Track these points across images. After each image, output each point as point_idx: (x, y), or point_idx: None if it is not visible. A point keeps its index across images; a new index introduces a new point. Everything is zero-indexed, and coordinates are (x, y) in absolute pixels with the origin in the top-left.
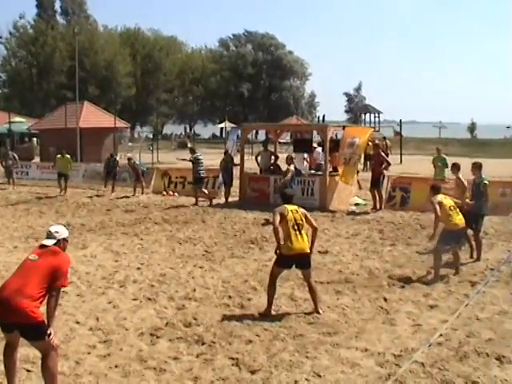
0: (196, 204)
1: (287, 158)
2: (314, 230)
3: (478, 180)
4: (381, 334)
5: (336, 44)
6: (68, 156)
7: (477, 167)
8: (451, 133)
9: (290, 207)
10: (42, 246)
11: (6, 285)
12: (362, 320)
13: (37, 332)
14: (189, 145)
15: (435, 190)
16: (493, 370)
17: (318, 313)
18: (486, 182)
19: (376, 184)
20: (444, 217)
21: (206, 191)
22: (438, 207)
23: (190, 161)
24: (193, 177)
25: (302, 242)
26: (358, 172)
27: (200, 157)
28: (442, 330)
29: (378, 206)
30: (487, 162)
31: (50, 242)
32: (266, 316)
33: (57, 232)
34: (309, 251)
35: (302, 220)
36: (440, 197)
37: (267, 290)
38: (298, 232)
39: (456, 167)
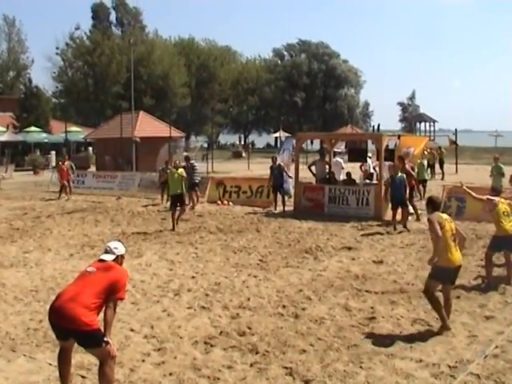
0: (193, 208)
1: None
2: (464, 240)
3: None
4: (436, 344)
5: (389, 53)
6: (182, 170)
7: None
8: (508, 141)
9: (444, 216)
10: (101, 261)
11: (62, 294)
12: (416, 330)
13: (92, 339)
14: (184, 153)
15: (495, 191)
16: None
17: (449, 328)
18: None
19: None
20: (495, 220)
21: (195, 197)
22: (488, 199)
23: (184, 167)
24: (188, 182)
25: (459, 254)
26: (425, 181)
27: (195, 164)
28: (498, 342)
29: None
30: None
31: (109, 258)
32: (445, 330)
33: (116, 248)
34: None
35: (455, 230)
36: (498, 199)
37: (432, 306)
38: (454, 243)
39: None
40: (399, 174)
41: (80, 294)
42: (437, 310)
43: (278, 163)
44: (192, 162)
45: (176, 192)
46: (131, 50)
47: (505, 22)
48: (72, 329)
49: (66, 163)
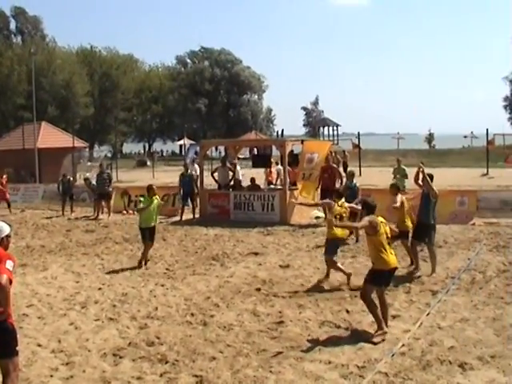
0: (97, 218)
1: (349, 173)
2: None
3: (426, 191)
4: (344, 345)
5: (291, 58)
6: (158, 197)
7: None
8: (410, 144)
9: (380, 219)
10: None
11: None
12: (324, 333)
13: (9, 346)
14: (100, 162)
15: (338, 195)
16: (456, 378)
17: (385, 330)
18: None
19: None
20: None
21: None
22: (324, 203)
23: (109, 178)
24: (104, 192)
25: (394, 256)
26: None
27: (109, 173)
28: (405, 340)
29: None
30: (445, 171)
31: None
32: (383, 336)
33: None
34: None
35: (390, 232)
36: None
37: (370, 310)
38: (390, 246)
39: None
40: (353, 182)
41: None
42: (374, 314)
43: (189, 172)
44: (108, 171)
45: (150, 224)
46: (32, 59)
47: (399, 23)
48: None
49: (4, 176)
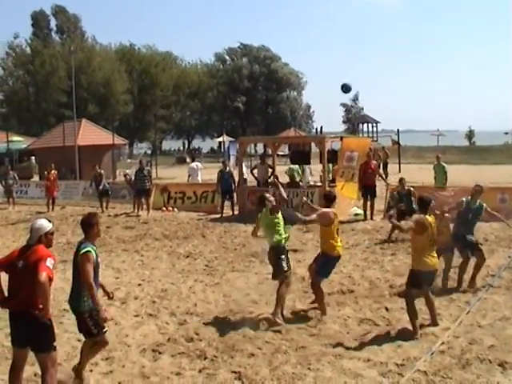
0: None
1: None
2: None
3: (474, 205)
4: (383, 343)
5: (331, 55)
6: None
7: (478, 192)
8: (449, 140)
9: (430, 219)
10: (25, 247)
11: (10, 298)
12: (363, 330)
13: (46, 341)
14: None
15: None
16: (496, 377)
17: (437, 324)
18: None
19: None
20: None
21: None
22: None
23: (148, 175)
24: (143, 188)
25: (435, 259)
26: None
27: (148, 169)
28: (444, 338)
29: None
30: (486, 168)
31: (32, 242)
32: (414, 338)
33: (38, 229)
34: None
35: (436, 234)
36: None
37: (410, 315)
38: (432, 247)
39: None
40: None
41: (25, 293)
42: (412, 320)
43: (228, 168)
44: (148, 168)
45: (270, 242)
46: (72, 57)
47: (433, 22)
48: (30, 331)
49: (52, 172)
